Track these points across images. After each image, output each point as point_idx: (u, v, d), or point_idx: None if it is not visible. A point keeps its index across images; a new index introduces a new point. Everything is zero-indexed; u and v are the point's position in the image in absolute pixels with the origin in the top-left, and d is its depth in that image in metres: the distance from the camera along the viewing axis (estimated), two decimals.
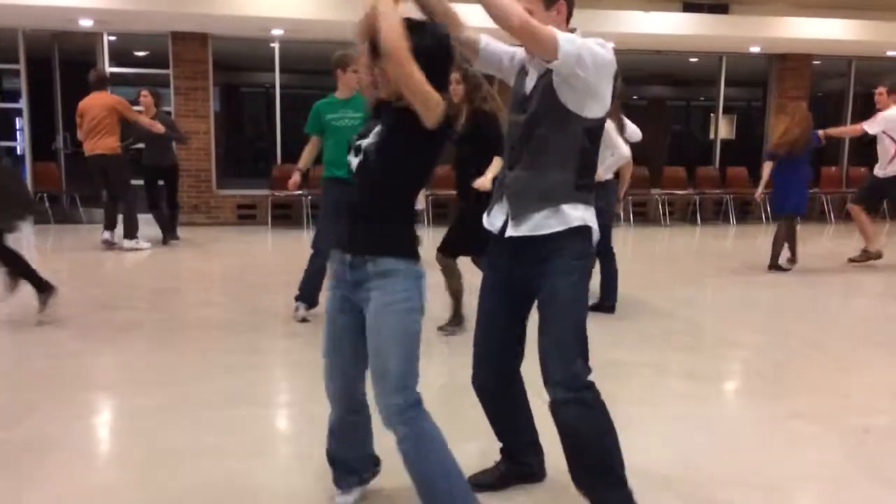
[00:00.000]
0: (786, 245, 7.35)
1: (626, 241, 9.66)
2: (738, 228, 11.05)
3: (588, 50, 2.31)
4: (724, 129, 12.48)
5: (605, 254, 5.50)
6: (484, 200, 2.93)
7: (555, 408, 2.47)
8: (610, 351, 4.63)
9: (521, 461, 2.86)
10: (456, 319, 5.00)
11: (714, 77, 12.08)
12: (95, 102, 7.82)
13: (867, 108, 7.95)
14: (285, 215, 10.66)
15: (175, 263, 7.80)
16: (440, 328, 4.97)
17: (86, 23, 9.43)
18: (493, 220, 2.62)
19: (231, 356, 4.56)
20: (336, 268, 2.44)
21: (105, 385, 4.11)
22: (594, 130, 2.47)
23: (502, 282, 2.62)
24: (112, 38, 10.24)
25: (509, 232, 2.51)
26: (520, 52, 2.60)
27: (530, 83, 2.50)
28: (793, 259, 7.40)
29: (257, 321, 5.38)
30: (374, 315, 2.31)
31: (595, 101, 2.41)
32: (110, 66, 10.19)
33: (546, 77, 2.40)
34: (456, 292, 4.96)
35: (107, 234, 8.26)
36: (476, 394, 2.76)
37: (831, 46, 11.15)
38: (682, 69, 13.09)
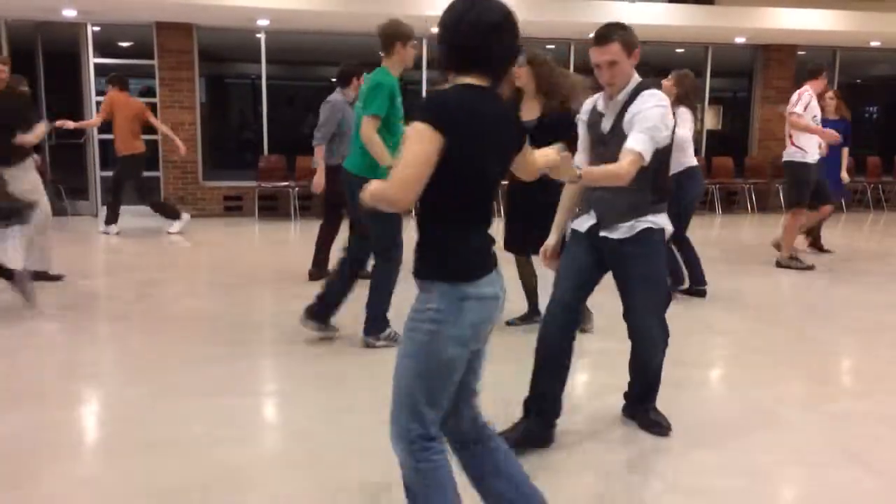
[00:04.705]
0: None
1: None
2: (724, 218, 11.11)
3: (658, 124, 2.82)
4: (710, 119, 12.54)
5: (683, 240, 5.71)
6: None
7: None
8: (599, 340, 4.66)
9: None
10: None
11: (700, 68, 12.12)
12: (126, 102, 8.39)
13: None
14: (272, 207, 10.63)
15: (161, 255, 7.78)
16: (508, 322, 4.92)
17: (69, 13, 9.34)
18: (582, 223, 3.11)
19: (218, 346, 4.56)
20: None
21: (92, 375, 4.11)
22: (664, 151, 2.97)
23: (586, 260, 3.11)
24: (96, 28, 10.13)
25: (603, 234, 3.04)
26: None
27: (607, 124, 2.99)
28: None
29: (244, 312, 5.38)
30: None
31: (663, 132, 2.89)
32: (94, 56, 10.11)
33: (621, 118, 2.91)
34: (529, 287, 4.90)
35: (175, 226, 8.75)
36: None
37: (816, 37, 11.21)
38: (668, 60, 13.12)
